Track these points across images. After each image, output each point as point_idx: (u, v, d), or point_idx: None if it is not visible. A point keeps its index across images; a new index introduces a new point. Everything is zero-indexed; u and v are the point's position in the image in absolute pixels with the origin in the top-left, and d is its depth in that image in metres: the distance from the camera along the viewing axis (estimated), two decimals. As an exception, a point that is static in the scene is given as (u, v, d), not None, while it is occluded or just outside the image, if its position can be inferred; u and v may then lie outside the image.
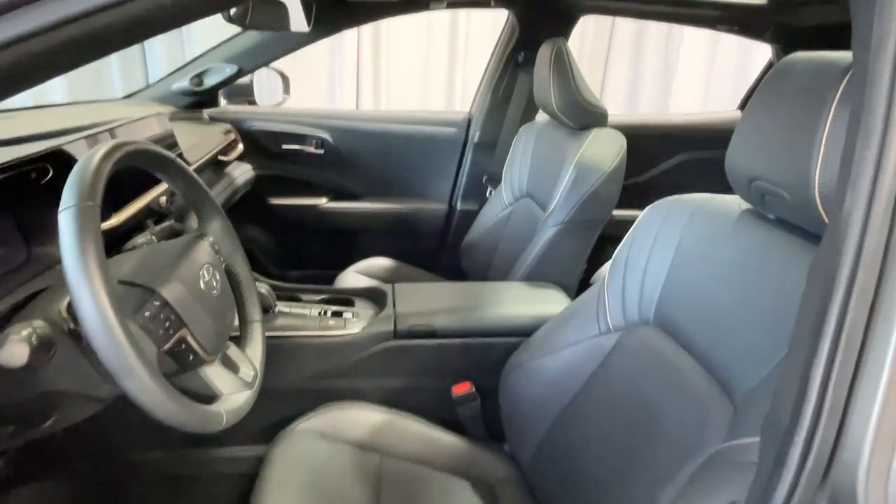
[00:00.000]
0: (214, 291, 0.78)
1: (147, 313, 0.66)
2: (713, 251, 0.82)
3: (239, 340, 0.90)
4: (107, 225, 0.91)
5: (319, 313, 1.22)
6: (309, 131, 1.96)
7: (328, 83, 3.04)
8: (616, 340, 0.93)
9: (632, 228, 0.97)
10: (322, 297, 1.32)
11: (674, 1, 1.70)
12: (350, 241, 2.08)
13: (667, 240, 0.90)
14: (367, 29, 2.94)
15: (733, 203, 0.87)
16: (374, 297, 1.32)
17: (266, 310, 1.17)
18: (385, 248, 1.98)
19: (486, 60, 2.00)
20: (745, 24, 1.81)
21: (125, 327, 0.56)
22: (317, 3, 1.57)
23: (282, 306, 1.21)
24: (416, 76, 3.09)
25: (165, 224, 0.97)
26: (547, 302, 1.31)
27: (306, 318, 1.19)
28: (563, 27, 1.79)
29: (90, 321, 0.55)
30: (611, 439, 0.86)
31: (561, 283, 1.44)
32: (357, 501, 0.97)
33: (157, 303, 0.67)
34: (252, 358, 0.88)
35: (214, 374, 0.77)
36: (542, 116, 1.78)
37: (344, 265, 1.86)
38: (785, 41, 1.89)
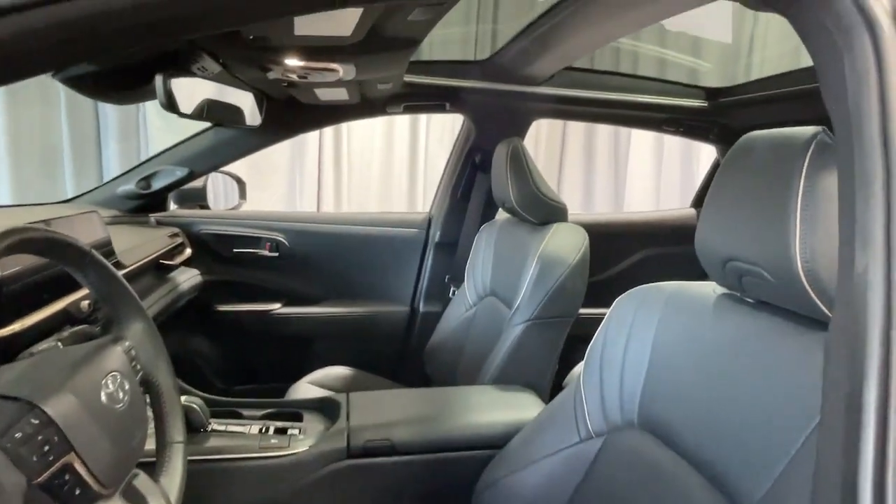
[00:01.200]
0: (119, 406, 0.65)
1: (18, 434, 0.52)
2: (695, 342, 0.76)
3: (153, 467, 0.75)
4: (5, 332, 0.78)
5: (260, 430, 1.07)
6: (263, 234, 1.89)
7: (288, 188, 3.04)
8: (600, 447, 0.83)
9: (604, 322, 0.91)
10: (266, 411, 1.17)
11: (622, 105, 1.79)
12: (305, 350, 1.94)
13: (642, 332, 0.84)
14: (328, 132, 3.01)
15: (707, 289, 0.83)
16: (326, 410, 1.17)
17: (196, 428, 1.01)
18: (343, 356, 1.85)
19: (444, 162, 2.03)
20: (689, 126, 1.90)
21: None
22: (271, 105, 1.57)
23: (216, 424, 1.05)
24: (378, 178, 3.13)
25: (78, 328, 0.85)
26: (519, 407, 1.19)
27: (244, 437, 1.03)
28: (518, 129, 1.84)
29: None
30: None
31: (533, 385, 1.34)
32: None
33: (35, 421, 0.54)
34: (167, 489, 0.73)
35: (112, 513, 0.62)
36: (502, 215, 1.77)
37: (297, 376, 1.71)
38: (727, 142, 1.98)
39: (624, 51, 2.37)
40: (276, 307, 1.90)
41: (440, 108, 1.77)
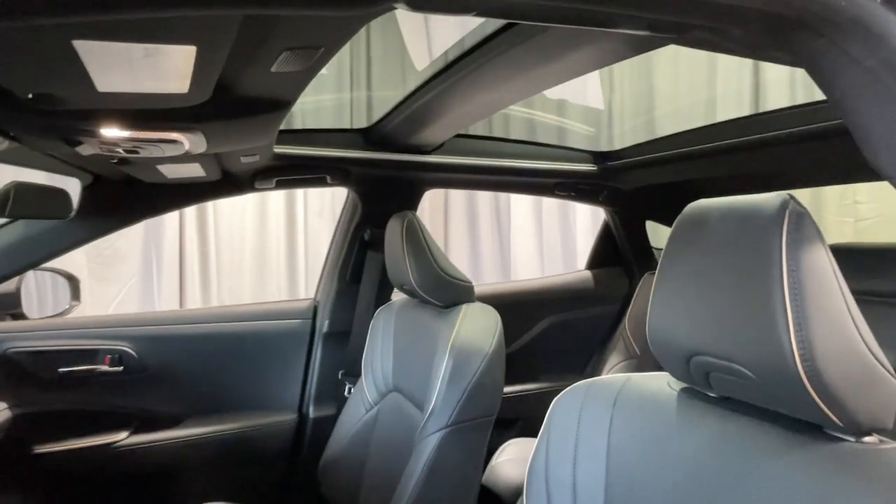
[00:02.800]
0: None
1: None
2: (659, 452, 0.63)
3: None
4: None
5: None
6: (100, 345, 1.50)
7: (143, 280, 2.60)
8: None
9: (542, 431, 0.76)
10: None
11: (516, 172, 1.72)
12: (163, 488, 1.53)
13: (592, 442, 0.70)
14: (189, 211, 2.65)
15: (661, 382, 0.72)
16: None
17: None
18: (215, 490, 1.47)
19: (328, 238, 1.80)
20: (580, 190, 1.88)
21: None
22: (102, 186, 1.26)
23: None
24: (252, 262, 2.80)
25: None
26: None
27: None
28: (409, 202, 1.69)
29: None
30: None
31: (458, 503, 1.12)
32: None
33: None
34: None
35: None
36: (399, 295, 1.57)
37: (153, 527, 1.32)
38: (615, 203, 1.99)
39: (514, 117, 2.37)
40: (121, 437, 1.49)
41: (319, 182, 1.56)
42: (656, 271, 0.65)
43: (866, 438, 0.51)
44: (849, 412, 0.49)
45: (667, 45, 0.63)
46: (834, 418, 0.50)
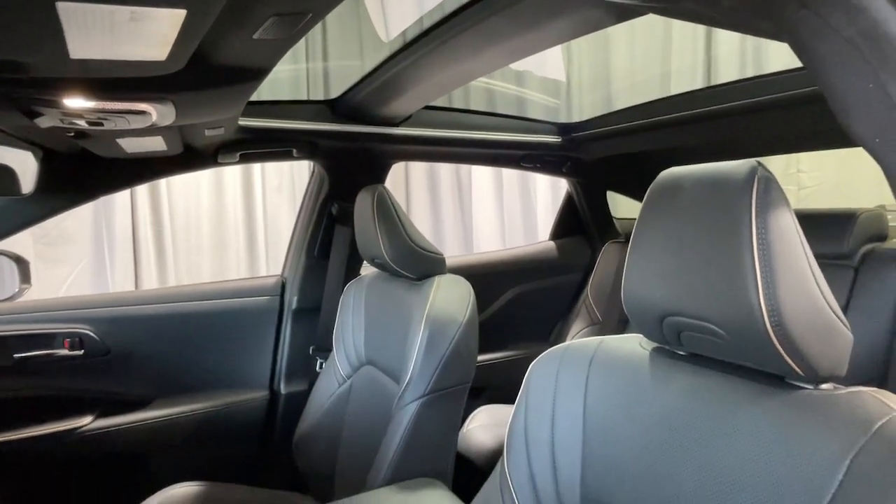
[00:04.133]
0: None
1: None
2: (634, 409, 0.67)
3: None
4: None
5: None
6: (58, 328, 1.44)
7: (94, 262, 2.48)
8: None
9: (521, 394, 0.79)
10: None
11: (483, 143, 1.72)
12: (135, 471, 1.51)
13: (569, 403, 0.73)
14: (142, 192, 2.53)
15: (634, 343, 0.75)
16: None
17: None
18: (189, 469, 1.46)
19: (289, 210, 1.77)
20: (544, 162, 1.90)
21: None
22: (55, 161, 1.20)
23: None
24: (210, 240, 2.71)
25: None
26: None
27: None
28: (377, 175, 1.67)
29: None
30: None
31: (436, 469, 1.16)
32: None
33: None
34: None
35: None
36: (368, 269, 1.57)
37: (128, 508, 1.29)
38: (579, 175, 2.03)
39: (475, 87, 2.37)
40: (85, 422, 1.45)
41: (285, 156, 1.52)
42: (632, 236, 0.67)
43: (823, 386, 0.55)
44: (810, 362, 0.53)
45: (648, 14, 0.65)
46: (796, 368, 0.54)
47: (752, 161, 0.56)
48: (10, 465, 1.38)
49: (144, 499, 1.32)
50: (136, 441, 1.50)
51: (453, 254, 3.39)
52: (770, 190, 0.54)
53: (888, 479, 0.46)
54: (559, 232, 2.22)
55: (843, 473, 0.48)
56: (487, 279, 2.01)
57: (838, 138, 1.04)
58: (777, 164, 2.33)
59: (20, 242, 1.60)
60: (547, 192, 3.58)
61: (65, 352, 1.44)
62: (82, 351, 1.45)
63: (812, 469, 0.51)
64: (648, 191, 0.66)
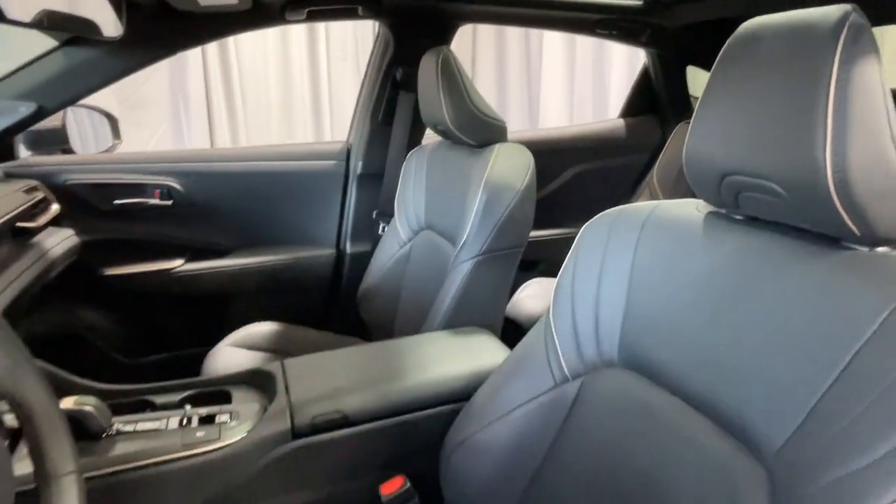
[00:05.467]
0: None
1: None
2: (682, 268, 0.67)
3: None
4: None
5: (181, 422, 0.88)
6: (149, 179, 1.58)
7: (172, 124, 2.62)
8: (578, 390, 0.75)
9: (572, 250, 0.81)
10: (184, 394, 0.97)
11: (556, 6, 1.61)
12: (220, 309, 1.71)
13: (618, 261, 0.75)
14: (212, 54, 2.59)
15: (689, 208, 0.74)
16: (259, 383, 0.99)
17: (95, 435, 0.80)
18: (266, 311, 1.64)
19: (353, 79, 1.78)
20: (622, 28, 1.77)
21: None
22: (136, 15, 1.24)
23: (121, 424, 0.85)
24: (278, 106, 2.78)
25: None
26: (481, 353, 1.08)
27: (161, 436, 0.84)
28: (443, 37, 1.62)
29: None
30: None
31: (486, 324, 1.24)
32: None
33: None
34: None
35: None
36: (431, 137, 1.58)
37: (216, 339, 1.49)
38: (658, 45, 1.89)
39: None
40: (177, 264, 1.63)
41: (350, 14, 1.50)
42: (702, 93, 0.64)
43: (879, 248, 0.54)
44: (869, 223, 0.51)
45: None
46: (853, 228, 0.52)
47: (845, 6, 0.51)
48: (118, 296, 1.60)
49: (228, 334, 1.52)
50: (220, 284, 1.68)
51: (517, 129, 3.33)
52: (860, 40, 0.50)
53: None
54: (630, 110, 2.12)
55: (879, 324, 0.48)
56: (550, 155, 1.98)
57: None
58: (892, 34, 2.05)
59: (106, 106, 1.72)
60: (623, 70, 3.36)
61: (155, 201, 1.59)
62: (171, 201, 1.60)
63: (846, 321, 0.51)
64: (726, 44, 0.62)
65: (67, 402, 0.78)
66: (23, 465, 0.63)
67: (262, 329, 1.53)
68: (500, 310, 1.30)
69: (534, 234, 1.30)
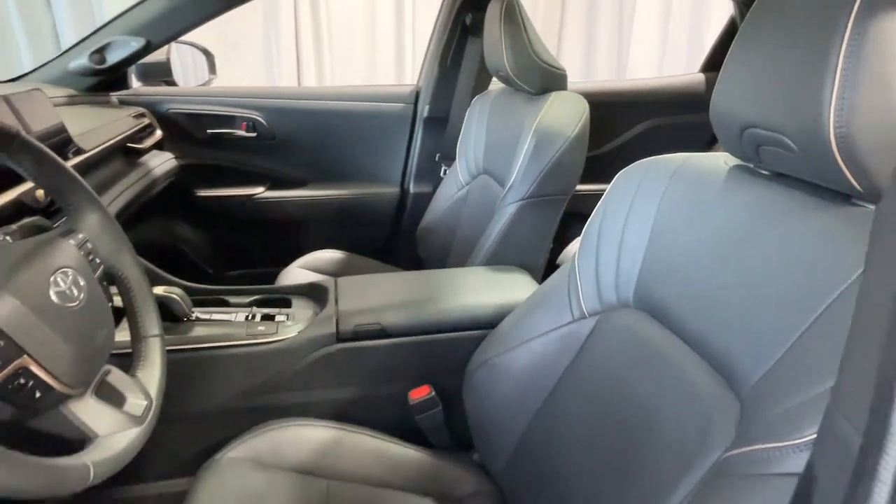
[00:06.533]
0: (74, 304, 0.60)
1: None
2: (701, 217, 0.69)
3: (129, 363, 0.72)
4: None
5: (247, 318, 1.04)
6: (238, 112, 1.75)
7: (264, 63, 2.81)
8: (593, 326, 0.81)
9: (603, 198, 0.85)
10: (253, 298, 1.14)
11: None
12: (294, 234, 1.89)
13: (644, 208, 0.78)
14: (303, 2, 2.71)
15: (718, 160, 0.76)
16: (314, 295, 1.14)
17: (178, 318, 0.98)
18: (333, 240, 1.80)
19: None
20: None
21: None
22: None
23: (200, 313, 1.02)
24: (362, 48, 2.89)
25: (28, 220, 0.77)
26: (512, 288, 1.16)
27: (230, 325, 1.01)
28: (513, -18, 1.63)
29: None
30: (596, 444, 0.73)
31: (526, 265, 1.30)
32: None
33: None
34: (146, 383, 0.70)
35: (85, 411, 0.59)
36: (496, 85, 1.62)
37: (288, 261, 1.67)
38: (748, -6, 1.77)
39: None
40: (259, 191, 1.82)
41: None
42: (731, 49, 0.64)
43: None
44: (872, 179, 0.51)
45: None
46: (855, 183, 0.52)
47: None
48: (207, 215, 1.82)
49: (298, 257, 1.69)
50: (294, 212, 1.85)
51: (604, 78, 3.22)
52: None
53: None
54: (712, 64, 2.02)
55: (854, 278, 0.50)
56: (622, 107, 1.95)
57: None
58: None
59: (206, 43, 1.89)
60: (723, 24, 3.13)
61: (242, 133, 1.76)
62: (255, 134, 1.76)
63: (829, 272, 0.53)
64: None
65: (158, 290, 0.96)
66: (122, 335, 0.80)
67: (328, 255, 1.69)
68: (541, 252, 1.35)
69: (598, 186, 1.31)
